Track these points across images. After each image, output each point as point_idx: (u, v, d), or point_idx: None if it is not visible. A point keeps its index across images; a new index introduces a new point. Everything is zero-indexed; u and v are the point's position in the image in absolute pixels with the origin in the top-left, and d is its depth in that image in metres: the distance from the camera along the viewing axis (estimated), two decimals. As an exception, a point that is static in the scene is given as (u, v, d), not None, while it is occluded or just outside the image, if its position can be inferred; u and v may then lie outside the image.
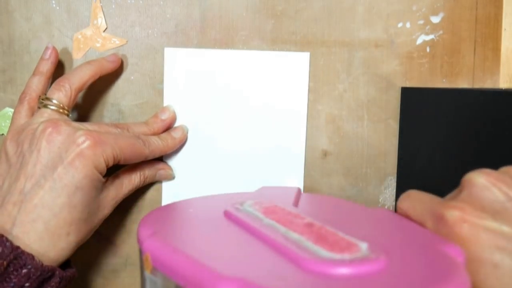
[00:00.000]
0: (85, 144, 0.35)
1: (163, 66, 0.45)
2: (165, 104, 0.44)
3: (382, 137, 0.47)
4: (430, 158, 0.43)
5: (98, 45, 0.44)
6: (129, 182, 0.41)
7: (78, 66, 0.41)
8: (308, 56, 0.44)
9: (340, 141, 0.47)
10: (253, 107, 0.44)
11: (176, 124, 0.44)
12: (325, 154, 0.47)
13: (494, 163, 0.39)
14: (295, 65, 0.44)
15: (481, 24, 0.47)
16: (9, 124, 0.44)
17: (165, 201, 0.45)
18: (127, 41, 0.44)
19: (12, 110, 0.44)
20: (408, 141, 0.45)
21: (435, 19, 0.46)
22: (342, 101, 0.46)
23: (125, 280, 0.46)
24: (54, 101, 0.38)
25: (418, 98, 0.44)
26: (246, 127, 0.44)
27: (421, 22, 0.46)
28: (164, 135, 0.42)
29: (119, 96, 0.45)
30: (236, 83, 0.44)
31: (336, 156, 0.47)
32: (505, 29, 0.47)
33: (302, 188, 0.46)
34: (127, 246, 0.46)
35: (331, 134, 0.46)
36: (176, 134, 0.43)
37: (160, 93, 0.45)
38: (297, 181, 0.46)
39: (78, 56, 0.44)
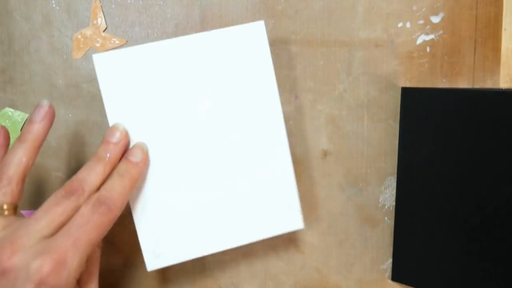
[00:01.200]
0: (44, 272, 0.28)
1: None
2: (110, 124, 0.35)
3: (382, 137, 0.47)
4: (430, 158, 0.43)
5: (98, 45, 0.44)
6: (95, 264, 0.34)
7: (10, 151, 0.33)
8: (263, 24, 0.37)
9: (340, 141, 0.47)
10: (215, 104, 0.36)
11: (131, 144, 0.35)
12: (325, 154, 0.47)
13: (494, 163, 0.39)
14: (250, 40, 0.36)
15: (481, 24, 0.47)
16: (8, 125, 0.44)
17: (140, 233, 0.36)
18: (127, 41, 0.44)
19: (12, 110, 0.44)
20: (408, 141, 0.45)
21: (435, 19, 0.46)
22: (342, 101, 0.46)
23: (125, 280, 0.46)
24: None
25: (418, 98, 0.44)
26: (212, 128, 0.37)
27: (421, 22, 0.46)
28: (123, 166, 0.33)
29: (119, 96, 0.45)
30: (189, 79, 0.36)
31: (336, 156, 0.47)
32: (505, 29, 0.47)
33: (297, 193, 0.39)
34: (127, 246, 0.46)
35: (331, 134, 0.46)
36: (135, 158, 0.33)
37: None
38: (289, 189, 0.38)
39: (78, 56, 0.44)
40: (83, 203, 0.30)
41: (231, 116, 0.37)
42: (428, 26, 0.46)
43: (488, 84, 0.47)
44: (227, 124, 0.37)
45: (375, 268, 0.48)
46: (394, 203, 0.47)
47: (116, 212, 0.31)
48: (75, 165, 0.45)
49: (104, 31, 0.44)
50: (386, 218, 0.48)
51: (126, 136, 0.34)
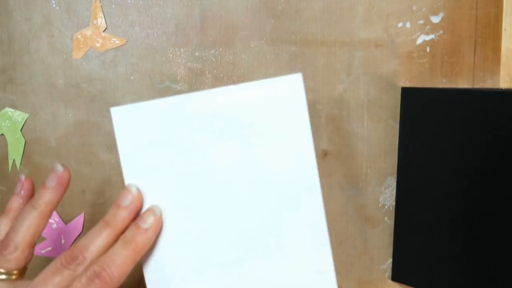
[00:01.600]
0: None
1: (163, 66, 0.45)
2: (126, 182, 0.32)
3: (382, 137, 0.47)
4: (430, 158, 0.43)
5: (98, 45, 0.44)
6: None
7: (21, 215, 0.32)
8: (301, 78, 0.31)
9: (340, 141, 0.47)
10: (242, 163, 0.32)
11: (145, 207, 0.32)
12: (325, 154, 0.47)
13: (494, 163, 0.39)
14: (285, 95, 0.32)
15: (481, 24, 0.47)
16: (8, 124, 0.44)
17: None
18: (127, 41, 0.44)
19: (12, 110, 0.44)
20: (408, 141, 0.45)
21: (435, 19, 0.46)
22: (342, 101, 0.46)
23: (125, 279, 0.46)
24: (1, 270, 0.31)
25: (418, 98, 0.44)
26: (239, 190, 0.32)
27: (421, 22, 0.46)
28: (130, 233, 0.31)
29: (118, 96, 0.45)
30: (215, 135, 0.32)
31: (336, 156, 0.47)
32: (505, 29, 0.47)
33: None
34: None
35: (331, 134, 0.46)
36: (145, 224, 0.31)
37: (159, 93, 0.45)
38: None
39: (78, 56, 0.44)
40: (80, 274, 0.29)
41: (260, 179, 0.32)
42: (428, 26, 0.46)
43: (488, 84, 0.47)
44: (255, 187, 0.32)
45: (375, 268, 0.48)
46: (394, 203, 0.47)
47: (113, 285, 0.29)
48: (75, 165, 0.45)
49: (104, 31, 0.44)
50: (386, 218, 0.48)
51: (139, 200, 0.32)
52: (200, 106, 0.32)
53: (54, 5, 0.44)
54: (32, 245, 0.32)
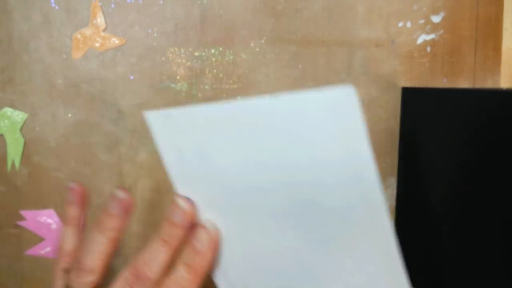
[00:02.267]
0: None
1: (162, 65, 0.45)
2: (179, 191, 0.31)
3: (382, 137, 0.47)
4: (430, 158, 0.43)
5: (97, 44, 0.44)
6: None
7: (90, 240, 0.31)
8: (353, 92, 0.25)
9: (340, 141, 0.47)
10: (294, 178, 0.28)
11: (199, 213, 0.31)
12: (325, 154, 0.47)
13: (495, 163, 0.39)
14: (336, 111, 0.27)
15: (482, 24, 0.46)
16: (7, 124, 0.44)
17: None
18: (126, 41, 0.44)
19: (11, 110, 0.44)
20: (408, 141, 0.45)
21: (436, 19, 0.46)
22: (342, 101, 0.46)
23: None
24: None
25: (418, 98, 0.44)
26: (294, 204, 0.29)
27: (422, 21, 0.46)
28: (188, 256, 0.30)
29: (118, 96, 0.45)
30: (263, 146, 0.28)
31: (336, 156, 0.47)
32: (506, 29, 0.47)
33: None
34: (127, 246, 0.46)
35: (331, 134, 0.46)
36: (200, 245, 0.30)
37: (159, 93, 0.45)
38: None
39: (77, 56, 0.44)
40: None
41: (316, 193, 0.29)
42: (428, 26, 0.46)
43: (489, 84, 0.47)
44: (311, 202, 0.29)
45: (375, 268, 0.48)
46: (394, 203, 0.47)
47: None
48: (74, 165, 0.45)
49: (103, 30, 0.44)
50: (386, 218, 0.47)
51: (191, 214, 0.30)
52: (245, 115, 0.28)
53: (53, 5, 0.44)
54: (106, 267, 0.32)
